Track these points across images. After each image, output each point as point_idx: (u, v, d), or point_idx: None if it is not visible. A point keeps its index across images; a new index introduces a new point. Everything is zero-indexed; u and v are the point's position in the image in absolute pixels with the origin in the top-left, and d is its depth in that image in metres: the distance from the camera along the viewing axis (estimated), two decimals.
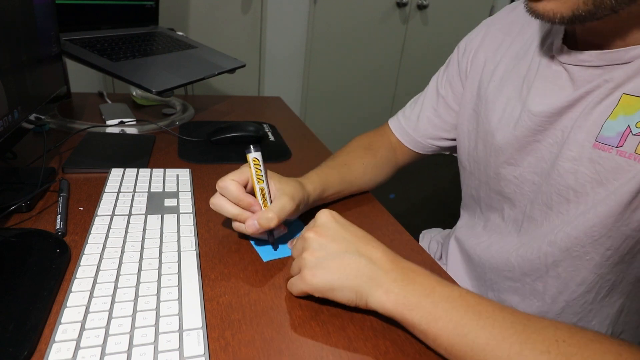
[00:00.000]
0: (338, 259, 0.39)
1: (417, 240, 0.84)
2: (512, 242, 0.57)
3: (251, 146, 0.48)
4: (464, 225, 0.70)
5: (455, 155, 0.70)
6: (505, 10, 0.62)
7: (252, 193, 0.50)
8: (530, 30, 0.56)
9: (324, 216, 0.43)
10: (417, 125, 0.70)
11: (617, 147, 0.43)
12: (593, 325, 0.52)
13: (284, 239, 0.53)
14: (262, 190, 0.49)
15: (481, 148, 0.60)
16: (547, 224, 0.51)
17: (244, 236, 0.52)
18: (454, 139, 0.68)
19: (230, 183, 0.48)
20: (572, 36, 0.49)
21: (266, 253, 0.50)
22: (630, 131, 0.42)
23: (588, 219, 0.46)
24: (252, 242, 0.52)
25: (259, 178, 0.48)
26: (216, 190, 0.49)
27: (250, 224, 0.47)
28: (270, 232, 0.49)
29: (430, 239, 0.81)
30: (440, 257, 0.76)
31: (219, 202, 0.49)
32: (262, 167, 0.49)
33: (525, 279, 0.55)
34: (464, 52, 0.65)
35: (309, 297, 0.42)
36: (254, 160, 0.48)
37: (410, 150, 0.72)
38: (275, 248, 0.51)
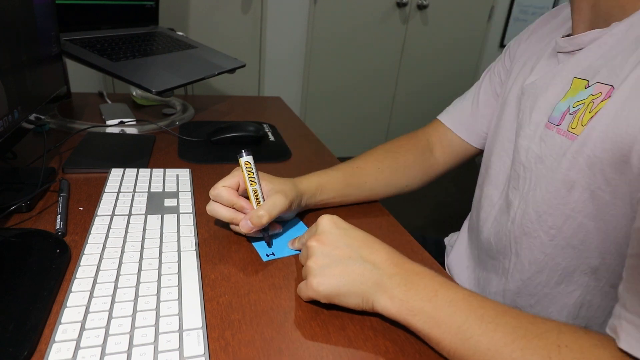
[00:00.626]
0: (342, 265, 0.40)
1: (420, 239, 0.84)
2: (489, 223, 0.58)
3: (242, 150, 0.51)
4: (474, 206, 0.70)
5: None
6: (555, 11, 0.61)
7: (246, 196, 0.51)
8: (563, 28, 0.57)
9: (325, 222, 0.43)
10: (476, 113, 0.65)
11: (557, 125, 0.45)
12: (550, 313, 0.52)
13: (282, 239, 0.53)
14: (254, 192, 0.50)
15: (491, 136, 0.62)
16: (513, 203, 0.53)
17: (245, 236, 0.52)
18: None
19: (221, 190, 0.50)
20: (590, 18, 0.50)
21: (265, 253, 0.50)
22: (569, 111, 0.45)
23: (534, 195, 0.48)
24: (253, 243, 0.52)
25: (251, 180, 0.50)
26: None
27: (244, 224, 0.48)
28: (264, 230, 0.51)
29: (451, 238, 0.80)
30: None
31: (213, 208, 0.51)
32: (254, 170, 0.51)
33: (499, 256, 0.56)
34: (509, 54, 0.65)
35: None
36: (246, 164, 0.50)
37: (458, 145, 0.67)
38: (269, 245, 0.51)
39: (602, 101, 0.41)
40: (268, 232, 0.51)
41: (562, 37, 0.51)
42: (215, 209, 0.50)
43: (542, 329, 0.33)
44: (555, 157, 0.45)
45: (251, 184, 0.50)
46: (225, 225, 0.54)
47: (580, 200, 0.44)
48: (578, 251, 0.47)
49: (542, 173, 0.47)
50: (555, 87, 0.48)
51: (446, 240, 0.82)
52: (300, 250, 0.49)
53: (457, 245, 0.71)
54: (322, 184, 0.58)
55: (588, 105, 0.42)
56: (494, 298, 0.56)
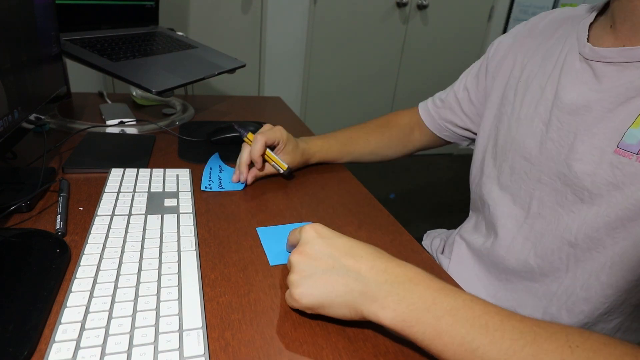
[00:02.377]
0: (325, 276, 0.38)
1: (419, 239, 0.84)
2: (525, 243, 0.57)
3: (247, 129, 0.69)
4: (470, 225, 0.71)
5: (469, 147, 0.77)
6: (539, 17, 0.64)
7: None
8: (557, 34, 0.58)
9: (308, 234, 0.41)
10: (440, 109, 0.77)
11: (637, 154, 0.44)
12: None
13: (280, 242, 0.53)
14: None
15: (501, 144, 0.62)
16: (558, 223, 0.52)
17: (244, 236, 0.52)
18: (468, 130, 0.74)
19: (259, 140, 0.63)
20: (607, 28, 0.50)
21: (273, 257, 0.49)
22: None
23: (608, 221, 0.47)
24: (264, 246, 0.51)
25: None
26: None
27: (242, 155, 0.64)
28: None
29: (433, 237, 0.81)
30: (443, 251, 0.76)
31: (245, 148, 0.65)
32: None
33: (544, 279, 0.55)
34: (494, 53, 0.67)
35: None
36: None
37: (429, 131, 0.79)
38: (289, 176, 0.68)
39: None
40: (288, 171, 0.66)
41: (591, 46, 0.50)
42: (244, 149, 0.65)
43: (549, 331, 0.32)
44: (636, 184, 0.44)
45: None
46: (225, 225, 0.55)
47: None
48: (632, 285, 0.47)
49: (617, 199, 0.46)
50: (618, 111, 0.46)
51: (425, 243, 0.82)
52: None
53: (456, 258, 0.70)
54: (324, 148, 0.74)
55: None
56: None
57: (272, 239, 0.53)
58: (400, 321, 0.35)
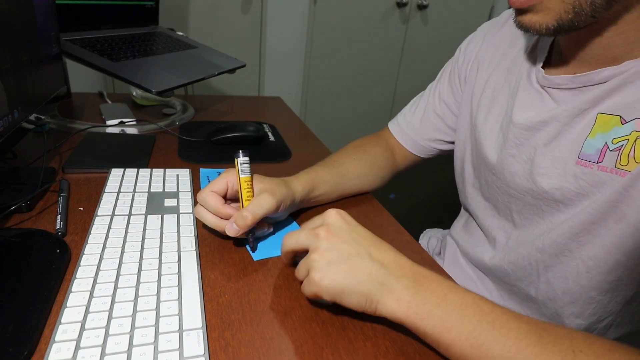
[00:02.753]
0: (350, 262, 0.38)
1: (418, 238, 0.84)
2: (501, 249, 0.58)
3: (240, 151, 0.50)
4: (460, 227, 0.71)
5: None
6: (503, 17, 0.63)
7: (237, 198, 0.51)
8: (519, 43, 0.58)
9: (333, 215, 0.42)
10: (420, 129, 0.71)
11: (597, 162, 0.45)
12: None
13: (275, 239, 0.53)
14: (248, 191, 0.49)
15: (474, 155, 0.62)
16: (535, 231, 0.53)
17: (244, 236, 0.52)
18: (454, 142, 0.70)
19: (208, 195, 0.49)
20: (559, 55, 0.52)
21: (257, 252, 0.50)
22: (608, 147, 0.44)
23: (572, 226, 0.47)
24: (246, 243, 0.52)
25: (245, 181, 0.49)
26: None
27: (229, 227, 0.47)
28: (249, 232, 0.49)
29: (430, 236, 0.81)
30: (439, 253, 0.76)
31: (199, 212, 0.50)
32: (249, 171, 0.50)
33: (519, 284, 0.56)
34: (464, 58, 0.66)
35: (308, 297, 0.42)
36: (243, 164, 0.49)
37: (411, 154, 0.73)
38: (253, 249, 0.50)
39: None
40: (254, 234, 0.50)
41: (544, 71, 0.51)
42: (202, 214, 0.49)
43: (555, 335, 0.32)
44: (603, 192, 0.45)
45: (244, 185, 0.49)
46: None
47: (621, 236, 0.44)
48: (614, 286, 0.47)
49: (585, 205, 0.46)
50: (574, 124, 0.47)
51: (422, 242, 0.82)
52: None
53: (450, 259, 0.71)
54: (313, 179, 0.58)
55: (635, 141, 0.42)
56: None
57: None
58: (412, 313, 0.36)
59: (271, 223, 0.54)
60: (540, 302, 0.54)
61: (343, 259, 0.38)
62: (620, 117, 0.44)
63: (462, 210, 0.73)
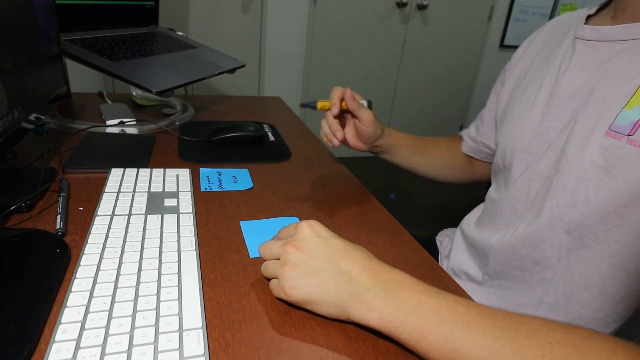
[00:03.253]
0: (317, 274, 0.39)
1: (418, 238, 0.84)
2: (517, 232, 0.57)
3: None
4: (470, 218, 0.71)
5: None
6: (545, 25, 0.65)
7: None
8: (560, 34, 0.59)
9: (304, 229, 0.42)
10: (477, 136, 0.76)
11: (628, 135, 0.43)
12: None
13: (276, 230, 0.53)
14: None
15: (506, 142, 0.62)
16: (554, 211, 0.51)
17: (243, 236, 0.53)
18: None
19: (324, 121, 0.66)
20: (603, 22, 0.51)
21: (254, 250, 0.50)
22: None
23: (600, 207, 0.46)
24: (245, 238, 0.52)
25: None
26: None
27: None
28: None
29: (445, 235, 0.81)
30: (448, 255, 0.76)
31: (323, 125, 0.67)
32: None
33: (534, 267, 0.55)
34: (511, 61, 0.69)
35: None
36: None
37: (474, 160, 0.80)
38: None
39: None
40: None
41: (591, 26, 0.50)
42: (323, 125, 0.66)
43: (531, 328, 0.32)
44: (629, 168, 0.43)
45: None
46: (225, 225, 0.55)
47: None
48: (631, 279, 0.47)
49: (608, 184, 0.45)
50: (613, 91, 0.46)
51: (438, 239, 0.83)
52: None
53: (455, 251, 0.71)
54: (402, 142, 0.73)
55: None
56: (524, 310, 0.55)
57: (254, 233, 0.53)
58: (386, 322, 0.36)
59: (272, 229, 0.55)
60: (552, 286, 0.53)
61: (311, 272, 0.39)
62: None
63: (480, 205, 0.73)
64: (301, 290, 0.39)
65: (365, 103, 0.67)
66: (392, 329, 0.36)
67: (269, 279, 0.43)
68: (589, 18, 0.55)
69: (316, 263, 0.39)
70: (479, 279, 0.64)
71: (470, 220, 0.71)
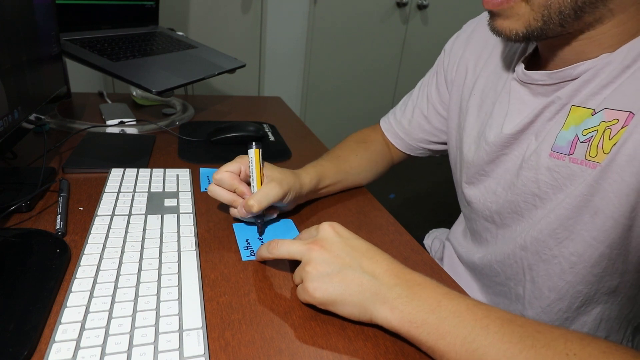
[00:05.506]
0: (341, 274, 0.39)
1: (423, 238, 0.84)
2: (490, 249, 0.58)
3: (253, 142, 0.53)
4: (459, 231, 0.71)
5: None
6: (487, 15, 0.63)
7: (248, 182, 0.54)
8: (504, 44, 0.58)
9: (327, 229, 0.42)
10: (408, 130, 0.72)
11: (569, 154, 0.45)
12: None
13: (271, 234, 0.54)
14: (259, 176, 0.53)
15: (460, 156, 0.62)
16: (517, 229, 0.53)
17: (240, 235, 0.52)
18: (444, 143, 0.71)
19: (224, 174, 0.53)
20: (535, 56, 0.52)
21: (245, 253, 0.50)
22: (578, 139, 0.44)
23: (549, 222, 0.48)
24: (238, 240, 0.52)
25: (257, 169, 0.53)
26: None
27: (239, 210, 0.52)
28: (258, 216, 0.53)
29: (434, 237, 0.81)
30: (441, 258, 0.76)
31: (215, 190, 0.53)
32: (260, 161, 0.53)
33: (509, 283, 0.56)
34: (449, 60, 0.66)
35: None
36: (256, 153, 0.53)
37: (402, 152, 0.75)
38: (260, 233, 0.53)
39: (622, 127, 0.41)
40: (263, 218, 0.53)
41: (524, 68, 0.51)
42: (217, 192, 0.53)
43: (549, 338, 0.32)
44: (576, 185, 0.45)
45: (256, 172, 0.53)
46: (225, 225, 0.55)
47: (602, 229, 0.44)
48: (599, 277, 0.47)
49: (560, 199, 0.46)
50: (555, 117, 0.48)
51: (426, 242, 0.82)
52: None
53: (448, 262, 0.71)
54: (319, 174, 0.61)
55: (604, 132, 0.42)
56: None
57: (247, 236, 0.53)
58: (407, 322, 0.36)
59: (272, 223, 0.55)
60: (526, 301, 0.54)
61: (335, 271, 0.39)
62: (593, 109, 0.44)
63: (461, 214, 0.73)
64: (324, 290, 0.39)
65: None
66: (412, 328, 0.36)
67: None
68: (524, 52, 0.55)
69: (340, 262, 0.40)
70: (471, 293, 0.64)
71: (457, 231, 0.71)
